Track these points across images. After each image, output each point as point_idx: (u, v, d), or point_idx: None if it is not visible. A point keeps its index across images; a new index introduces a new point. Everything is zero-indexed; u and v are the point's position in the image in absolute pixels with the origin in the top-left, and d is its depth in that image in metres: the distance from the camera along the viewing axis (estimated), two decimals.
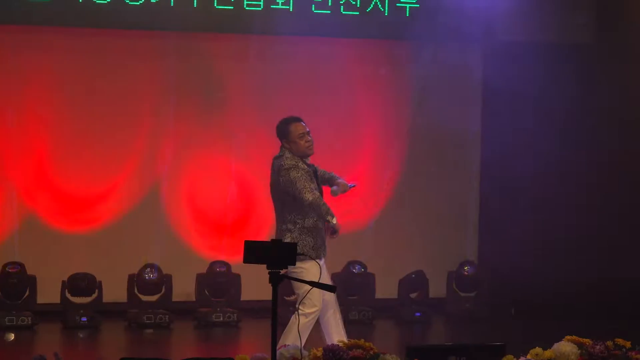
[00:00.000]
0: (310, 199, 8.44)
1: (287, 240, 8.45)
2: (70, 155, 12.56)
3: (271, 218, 9.06)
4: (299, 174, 8.47)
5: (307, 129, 8.60)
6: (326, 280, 8.68)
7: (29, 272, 11.90)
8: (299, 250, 8.28)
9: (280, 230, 8.61)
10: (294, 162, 8.53)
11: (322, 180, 8.81)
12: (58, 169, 12.55)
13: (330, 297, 8.63)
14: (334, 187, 8.81)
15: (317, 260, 8.42)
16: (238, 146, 12.89)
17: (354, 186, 8.91)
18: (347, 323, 9.06)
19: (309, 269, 8.31)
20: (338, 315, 8.70)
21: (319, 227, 8.58)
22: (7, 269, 11.83)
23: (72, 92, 12.54)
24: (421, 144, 13.38)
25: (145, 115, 12.78)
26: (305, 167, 8.55)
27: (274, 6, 12.39)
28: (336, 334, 8.48)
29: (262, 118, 12.34)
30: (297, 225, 8.54)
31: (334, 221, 8.45)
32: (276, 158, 8.68)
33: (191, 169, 12.87)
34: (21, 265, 11.88)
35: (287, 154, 8.59)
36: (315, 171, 8.69)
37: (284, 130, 8.63)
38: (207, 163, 12.91)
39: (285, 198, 8.61)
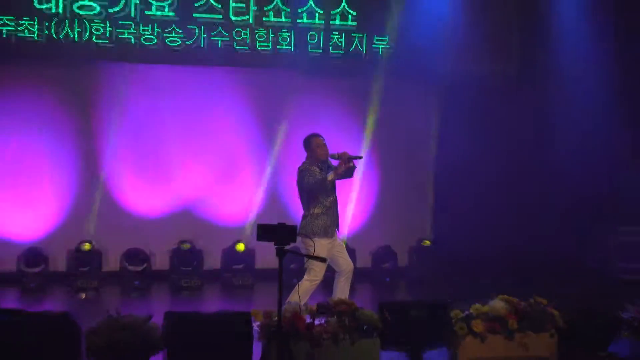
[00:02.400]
0: (311, 181, 8.49)
1: (303, 223, 8.55)
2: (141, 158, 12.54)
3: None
4: (307, 173, 8.55)
5: (324, 142, 8.69)
6: (341, 251, 8.73)
7: (98, 246, 11.89)
8: (311, 231, 8.41)
9: (302, 217, 8.66)
10: (306, 166, 8.63)
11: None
12: (123, 159, 12.46)
13: (347, 267, 8.68)
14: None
15: (326, 238, 8.49)
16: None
17: (359, 157, 8.72)
18: None
19: (318, 246, 8.35)
20: (348, 283, 8.73)
21: (328, 212, 8.61)
22: (80, 246, 11.84)
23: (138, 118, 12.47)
24: (389, 149, 13.35)
25: (192, 131, 12.70)
26: (317, 169, 8.61)
27: (279, 47, 12.37)
28: (340, 295, 8.52)
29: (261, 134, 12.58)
30: (310, 212, 8.61)
31: (330, 177, 8.51)
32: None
33: (217, 171, 12.85)
34: (91, 241, 11.90)
35: (306, 161, 8.68)
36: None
37: (306, 142, 8.76)
38: (229, 167, 12.88)
39: (302, 193, 8.66)
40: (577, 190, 13.16)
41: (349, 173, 8.63)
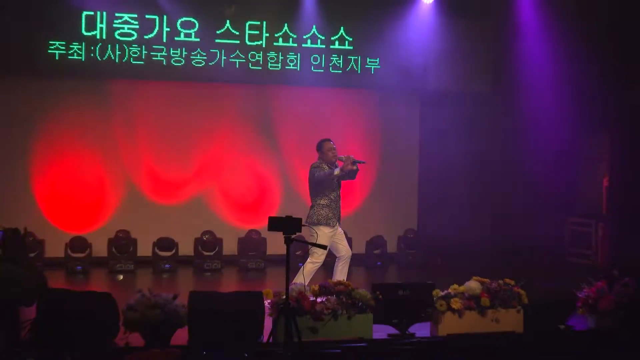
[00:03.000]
0: (321, 174, 8.47)
1: (310, 212, 8.50)
2: (165, 154, 12.51)
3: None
4: (318, 169, 8.53)
5: (334, 146, 8.66)
6: (341, 239, 8.66)
7: (133, 235, 11.91)
8: (316, 220, 8.36)
9: (310, 207, 8.63)
10: (317, 164, 8.60)
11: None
12: (155, 162, 12.46)
13: (346, 253, 8.64)
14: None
15: (328, 227, 8.45)
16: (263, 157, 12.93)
17: (362, 162, 8.71)
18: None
19: (321, 234, 8.34)
20: (346, 267, 8.67)
21: (332, 205, 8.57)
22: (118, 234, 11.86)
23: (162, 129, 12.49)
24: (382, 152, 13.31)
25: (214, 138, 12.69)
26: (327, 167, 8.59)
27: (287, 67, 12.40)
28: (339, 277, 8.50)
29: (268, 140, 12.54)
30: (316, 203, 8.54)
31: (336, 172, 8.46)
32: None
33: (235, 171, 12.85)
34: (127, 231, 11.91)
35: (317, 161, 8.65)
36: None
37: (319, 146, 8.71)
38: (245, 168, 12.87)
39: (311, 185, 8.63)
40: (540, 186, 13.14)
41: (351, 175, 8.60)
